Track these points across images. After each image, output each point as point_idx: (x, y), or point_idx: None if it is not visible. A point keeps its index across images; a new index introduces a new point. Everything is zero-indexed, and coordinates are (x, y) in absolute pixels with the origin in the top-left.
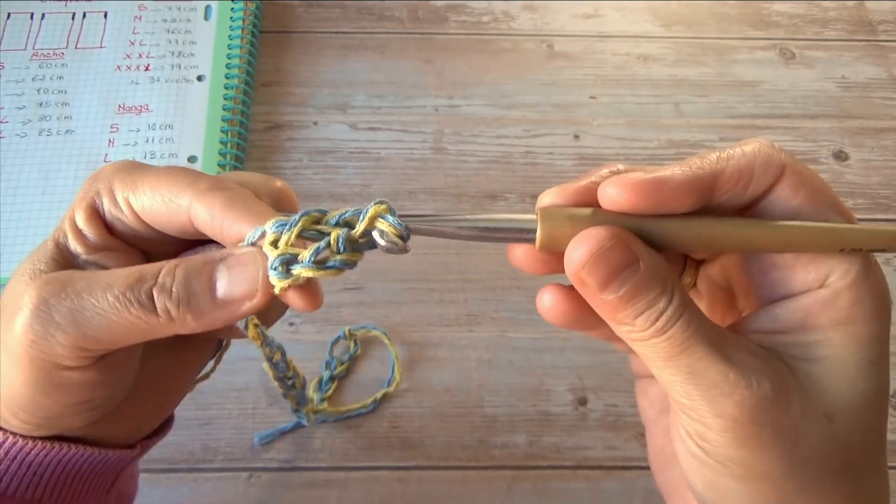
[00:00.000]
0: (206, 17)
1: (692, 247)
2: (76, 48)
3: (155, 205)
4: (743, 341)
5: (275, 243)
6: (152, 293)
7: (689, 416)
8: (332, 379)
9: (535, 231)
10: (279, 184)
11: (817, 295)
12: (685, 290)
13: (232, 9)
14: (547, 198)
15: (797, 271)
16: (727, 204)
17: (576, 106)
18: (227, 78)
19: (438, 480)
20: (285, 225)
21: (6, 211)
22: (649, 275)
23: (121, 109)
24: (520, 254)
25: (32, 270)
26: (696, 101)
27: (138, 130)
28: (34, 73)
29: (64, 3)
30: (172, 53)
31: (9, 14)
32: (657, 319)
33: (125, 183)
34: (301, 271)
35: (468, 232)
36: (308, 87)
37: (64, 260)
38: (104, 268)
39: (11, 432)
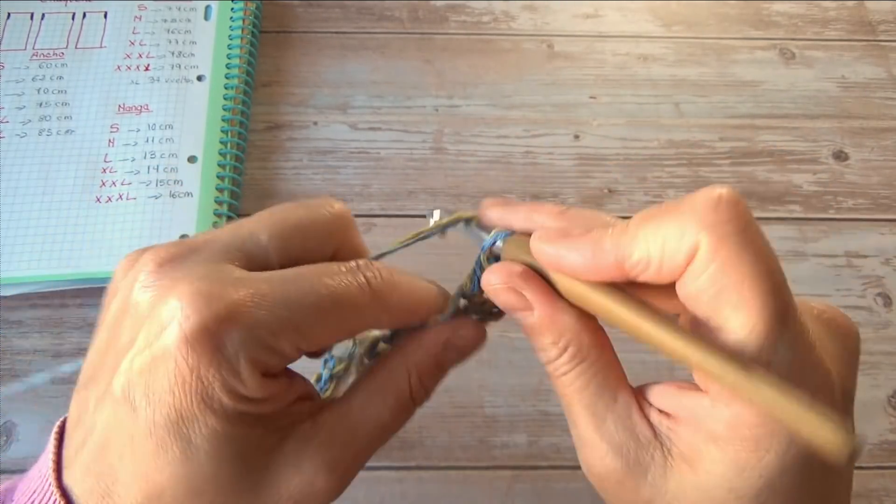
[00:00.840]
0: (206, 17)
1: (600, 315)
2: (76, 48)
3: (332, 337)
4: (628, 418)
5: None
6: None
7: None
8: (331, 378)
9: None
10: (338, 207)
11: (700, 399)
12: (591, 345)
13: (232, 9)
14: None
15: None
16: (649, 282)
17: (576, 106)
18: (227, 78)
19: (438, 480)
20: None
21: (6, 211)
22: (541, 323)
23: (121, 109)
24: (499, 280)
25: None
26: (696, 101)
27: (138, 130)
28: (34, 73)
29: (64, 3)
30: (172, 53)
31: (9, 14)
32: (548, 364)
33: (285, 329)
34: None
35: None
36: (308, 87)
37: (253, 430)
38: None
39: None
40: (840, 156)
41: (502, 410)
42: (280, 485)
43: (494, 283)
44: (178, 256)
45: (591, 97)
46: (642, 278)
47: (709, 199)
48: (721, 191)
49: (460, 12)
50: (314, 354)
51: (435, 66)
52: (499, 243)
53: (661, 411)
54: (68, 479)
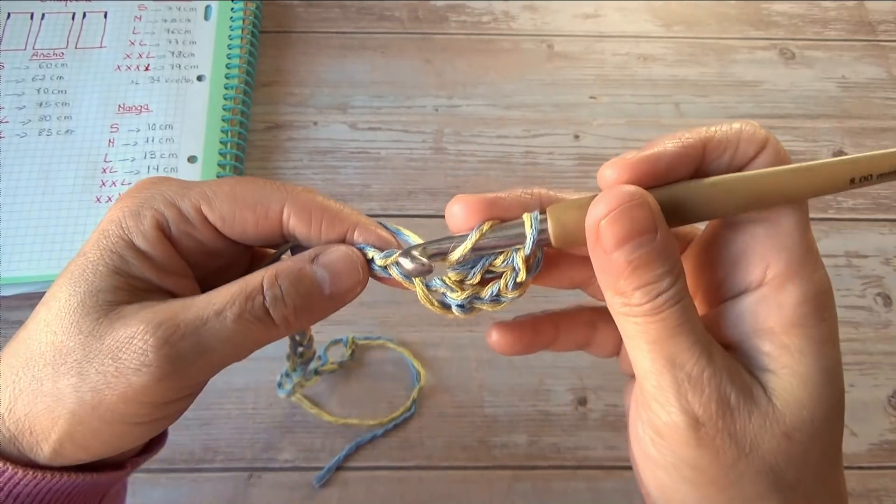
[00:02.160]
0: (206, 17)
1: (700, 210)
2: (76, 48)
3: (239, 212)
4: (718, 345)
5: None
6: (266, 307)
7: (655, 409)
8: (316, 372)
9: (544, 229)
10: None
11: (760, 294)
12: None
13: (232, 9)
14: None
15: (740, 266)
16: (716, 170)
17: (576, 106)
18: (227, 78)
19: (438, 480)
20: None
21: (6, 211)
22: (662, 248)
23: (121, 109)
24: (495, 337)
25: (97, 303)
26: (696, 101)
27: (138, 130)
28: (34, 73)
29: (64, 3)
30: (172, 53)
31: (9, 14)
32: (657, 297)
33: (190, 194)
34: (482, 306)
35: (486, 241)
36: (308, 87)
37: (130, 288)
38: (174, 294)
39: (12, 461)
40: (840, 156)
41: (502, 410)
42: (108, 333)
43: (615, 205)
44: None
45: (591, 97)
46: (712, 165)
47: (756, 123)
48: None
49: (460, 12)
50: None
51: (435, 66)
52: (537, 218)
53: (726, 339)
54: None
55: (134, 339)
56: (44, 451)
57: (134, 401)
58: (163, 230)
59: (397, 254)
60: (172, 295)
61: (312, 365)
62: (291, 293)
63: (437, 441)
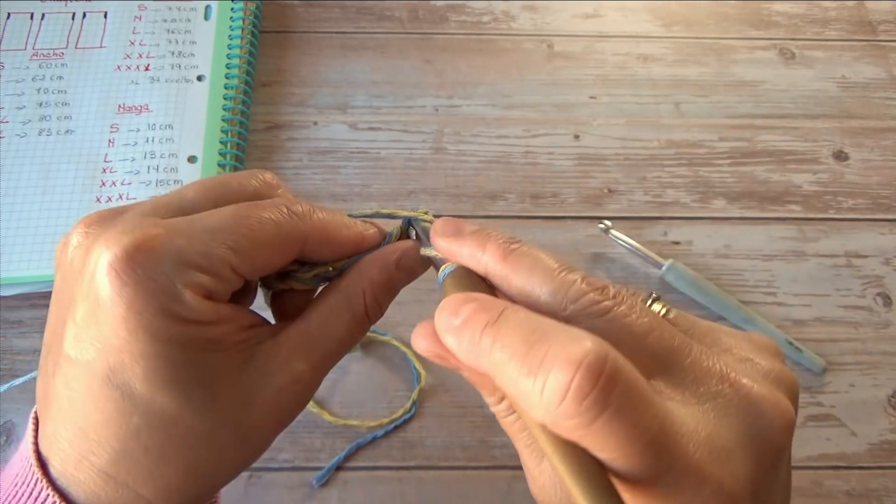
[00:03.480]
0: (206, 17)
1: None
2: (76, 48)
3: (266, 258)
4: None
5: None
6: (369, 318)
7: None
8: None
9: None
10: (268, 177)
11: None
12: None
13: (232, 9)
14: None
15: None
16: None
17: (576, 106)
18: (227, 78)
19: (438, 480)
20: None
21: (6, 211)
22: (472, 380)
23: (121, 109)
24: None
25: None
26: (696, 101)
27: (138, 130)
28: (34, 73)
29: (64, 3)
30: (172, 53)
31: (9, 14)
32: (491, 407)
33: (219, 252)
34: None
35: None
36: (308, 87)
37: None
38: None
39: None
40: (840, 156)
41: None
42: (258, 392)
43: (422, 345)
44: (105, 217)
45: (591, 97)
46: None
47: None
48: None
49: (460, 12)
50: (265, 283)
51: (435, 66)
52: (443, 272)
53: None
54: (46, 451)
55: (299, 383)
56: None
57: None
58: (207, 297)
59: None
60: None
61: None
62: (386, 302)
63: (437, 441)
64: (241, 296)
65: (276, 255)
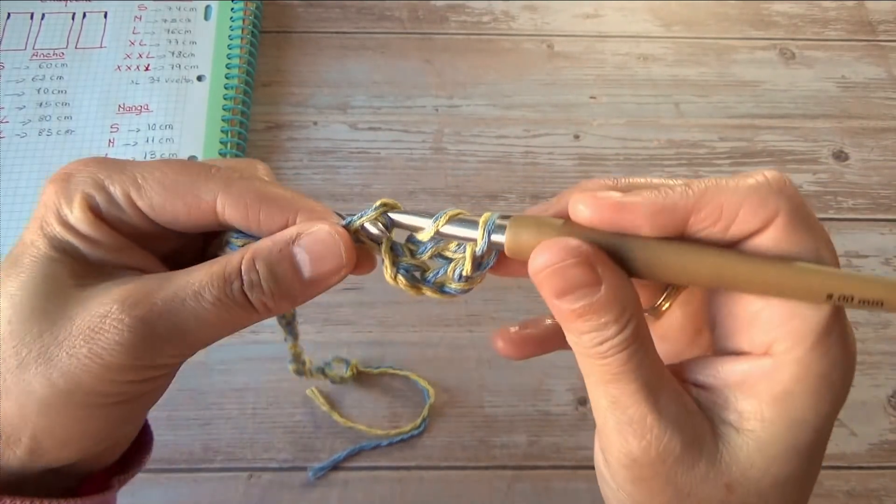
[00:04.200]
0: (206, 17)
1: (661, 274)
2: (76, 48)
3: (169, 201)
4: (679, 392)
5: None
6: (244, 291)
7: (599, 437)
8: (323, 373)
9: (502, 240)
10: (261, 169)
11: (759, 362)
12: (643, 322)
13: (232, 9)
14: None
15: (748, 329)
16: (707, 238)
17: (576, 106)
18: (227, 78)
19: (438, 480)
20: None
21: (6, 211)
22: (607, 300)
23: (121, 109)
24: (500, 344)
25: (58, 286)
26: (696, 101)
27: (138, 130)
28: (34, 73)
29: (64, 3)
30: (172, 53)
31: (9, 14)
32: (601, 343)
33: (120, 179)
34: (425, 289)
35: (447, 229)
36: (308, 87)
37: (90, 269)
38: (142, 271)
39: None
40: (840, 156)
41: (502, 410)
42: (77, 314)
43: (555, 261)
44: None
45: (591, 97)
46: (702, 234)
47: (779, 178)
48: (780, 174)
49: (460, 12)
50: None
51: (435, 66)
52: (497, 222)
53: (696, 385)
54: None
55: (107, 318)
56: (17, 453)
57: (109, 380)
58: (94, 213)
59: (364, 218)
60: (140, 272)
61: (317, 364)
62: (268, 278)
63: (437, 441)
64: (160, 245)
65: (181, 201)
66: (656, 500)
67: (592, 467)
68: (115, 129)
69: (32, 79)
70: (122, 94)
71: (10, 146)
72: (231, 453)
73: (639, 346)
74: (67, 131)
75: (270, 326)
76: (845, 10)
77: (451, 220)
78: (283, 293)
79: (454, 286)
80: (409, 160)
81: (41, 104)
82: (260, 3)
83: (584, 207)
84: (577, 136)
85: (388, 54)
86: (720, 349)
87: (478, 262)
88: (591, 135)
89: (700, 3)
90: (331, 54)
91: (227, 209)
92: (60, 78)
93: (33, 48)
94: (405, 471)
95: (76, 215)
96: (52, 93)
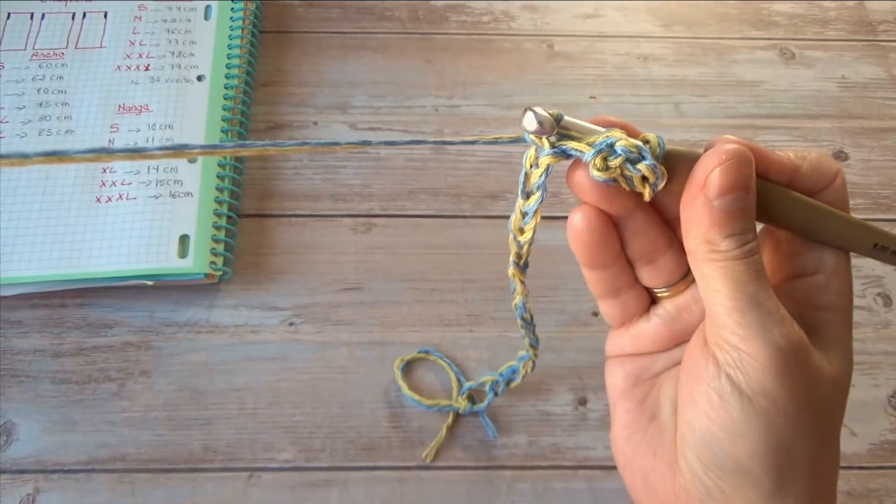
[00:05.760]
0: (206, 17)
1: (770, 211)
2: (76, 48)
3: None
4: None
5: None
6: None
7: (735, 343)
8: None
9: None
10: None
11: (815, 280)
12: None
13: (232, 9)
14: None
15: (800, 258)
16: (805, 188)
17: (576, 106)
18: (227, 78)
19: (438, 480)
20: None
21: (6, 211)
22: (751, 206)
23: (121, 109)
24: (580, 223)
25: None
26: (696, 101)
27: (138, 130)
28: (34, 73)
29: (64, 3)
30: (172, 53)
31: (9, 14)
32: (744, 245)
33: None
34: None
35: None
36: (308, 87)
37: None
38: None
39: None
40: (840, 156)
41: (502, 410)
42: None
43: (729, 157)
44: None
45: (591, 97)
46: (804, 185)
47: (826, 153)
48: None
49: (460, 12)
50: None
51: (435, 66)
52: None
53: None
54: None
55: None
56: None
57: None
58: None
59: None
60: None
61: (506, 376)
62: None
63: (435, 440)
64: None
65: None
66: (793, 390)
67: (592, 467)
68: (115, 129)
69: (32, 79)
70: (122, 94)
71: (10, 146)
72: (231, 453)
73: (761, 255)
74: (67, 131)
75: (270, 326)
76: (845, 10)
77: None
78: None
79: (646, 171)
80: (409, 160)
81: (41, 104)
82: (260, 3)
83: (730, 145)
84: None
85: (388, 54)
86: (786, 276)
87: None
88: None
89: (700, 3)
90: (331, 54)
91: None
92: (60, 78)
93: (33, 48)
94: (405, 471)
95: None
96: (52, 93)
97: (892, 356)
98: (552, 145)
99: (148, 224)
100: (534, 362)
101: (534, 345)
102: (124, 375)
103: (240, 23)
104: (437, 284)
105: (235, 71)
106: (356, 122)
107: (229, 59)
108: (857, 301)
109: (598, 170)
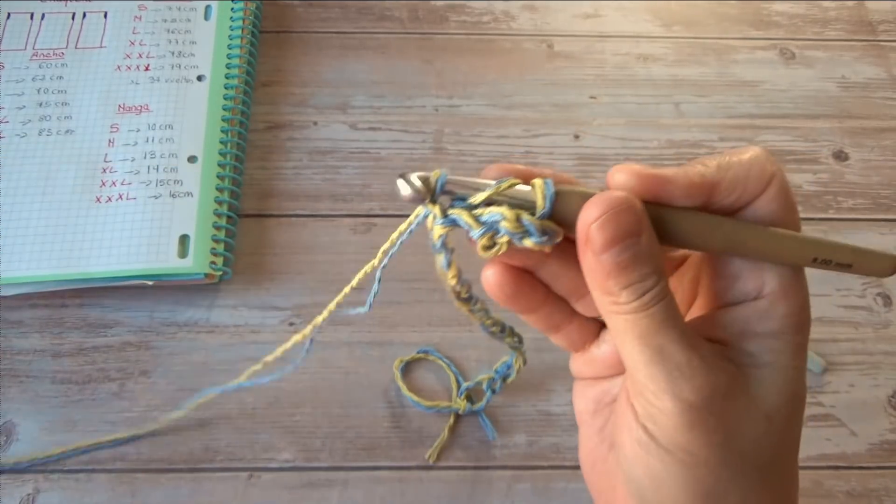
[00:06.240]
0: (206, 17)
1: (681, 240)
2: (76, 48)
3: None
4: (702, 339)
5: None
6: None
7: (647, 397)
8: (504, 379)
9: (545, 201)
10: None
11: (756, 305)
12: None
13: (232, 9)
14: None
15: (740, 281)
16: (720, 209)
17: (576, 106)
18: (227, 78)
19: (438, 480)
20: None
21: (6, 211)
22: (647, 250)
23: (121, 109)
24: (492, 270)
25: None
26: (696, 101)
27: (138, 130)
28: (34, 73)
29: (64, 3)
30: (172, 53)
31: (9, 14)
32: (643, 294)
33: None
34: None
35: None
36: (308, 87)
37: None
38: None
39: None
40: (840, 156)
41: (502, 410)
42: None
43: (605, 210)
44: None
45: (591, 97)
46: (724, 202)
47: (766, 151)
48: (763, 148)
49: (460, 12)
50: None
51: (435, 66)
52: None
53: (714, 337)
54: None
55: None
56: None
57: None
58: None
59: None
60: None
61: (502, 373)
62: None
63: (437, 441)
64: None
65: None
66: (710, 442)
67: None
68: (115, 129)
69: (32, 79)
70: (122, 94)
71: (10, 146)
72: (231, 453)
73: (671, 298)
74: (67, 131)
75: (270, 326)
76: (845, 10)
77: (505, 189)
78: None
79: (528, 241)
80: (409, 160)
81: (41, 104)
82: (260, 3)
83: (624, 176)
84: (577, 136)
85: (388, 54)
86: (715, 307)
87: (541, 230)
88: (591, 135)
89: (700, 3)
90: (331, 54)
91: None
92: (60, 78)
93: (33, 48)
94: (405, 471)
95: None
96: (52, 93)
97: (892, 356)
98: (444, 214)
99: (148, 224)
100: (524, 357)
101: (516, 347)
102: (124, 375)
103: (240, 23)
104: (437, 284)
105: (235, 71)
106: (356, 122)
107: (229, 59)
108: (857, 301)
109: (485, 248)
